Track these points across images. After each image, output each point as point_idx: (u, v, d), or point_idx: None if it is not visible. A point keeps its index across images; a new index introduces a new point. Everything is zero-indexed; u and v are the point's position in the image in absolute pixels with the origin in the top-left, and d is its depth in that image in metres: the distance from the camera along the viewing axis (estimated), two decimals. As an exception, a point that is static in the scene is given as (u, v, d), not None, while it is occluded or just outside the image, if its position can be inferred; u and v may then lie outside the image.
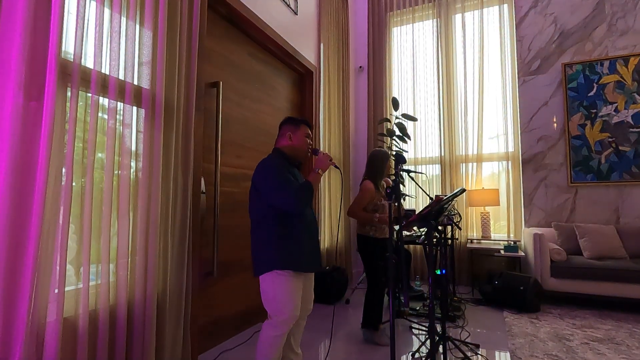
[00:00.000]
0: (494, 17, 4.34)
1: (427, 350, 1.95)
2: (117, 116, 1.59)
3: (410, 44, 4.74)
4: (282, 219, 1.67)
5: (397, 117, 4.05)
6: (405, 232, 3.36)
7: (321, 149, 3.71)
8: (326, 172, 3.79)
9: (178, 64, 1.88)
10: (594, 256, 3.27)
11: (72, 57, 1.40)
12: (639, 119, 3.64)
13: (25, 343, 1.19)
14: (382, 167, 2.58)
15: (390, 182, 2.78)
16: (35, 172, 1.26)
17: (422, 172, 4.50)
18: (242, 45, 2.80)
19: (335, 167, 1.85)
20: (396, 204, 1.99)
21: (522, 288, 3.09)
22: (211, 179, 2.36)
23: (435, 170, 4.50)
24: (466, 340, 2.45)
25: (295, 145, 1.81)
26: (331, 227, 3.82)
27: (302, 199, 1.61)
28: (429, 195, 3.01)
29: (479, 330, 2.66)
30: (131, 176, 1.64)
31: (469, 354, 2.24)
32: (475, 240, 4.11)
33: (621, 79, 3.72)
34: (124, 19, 1.62)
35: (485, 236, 3.96)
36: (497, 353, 2.29)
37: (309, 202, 1.66)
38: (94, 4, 1.50)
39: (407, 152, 4.29)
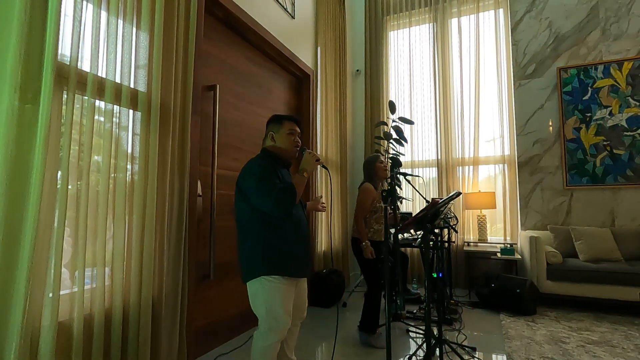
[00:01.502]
0: (490, 22, 4.37)
1: (424, 354, 1.95)
2: (114, 119, 1.59)
3: (407, 48, 4.78)
4: (269, 222, 1.57)
5: (394, 121, 4.07)
6: (401, 235, 3.36)
7: (313, 150, 3.70)
8: (324, 175, 3.79)
9: (175, 67, 1.88)
10: (590, 259, 3.28)
11: (68, 60, 1.40)
12: (633, 123, 3.67)
13: (20, 347, 1.18)
14: (372, 169, 2.65)
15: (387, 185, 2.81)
16: (30, 175, 1.26)
17: (419, 175, 4.51)
18: (239, 48, 2.81)
19: (323, 167, 1.73)
20: (392, 207, 2.00)
21: (518, 291, 3.10)
22: (208, 182, 2.36)
23: (432, 173, 4.51)
24: (463, 343, 2.45)
25: (278, 144, 1.70)
26: (328, 230, 3.82)
27: (283, 202, 1.50)
28: (425, 199, 3.01)
29: (475, 333, 2.67)
30: (127, 179, 1.64)
31: (465, 357, 2.24)
32: (471, 243, 4.12)
33: (615, 83, 3.76)
34: (120, 22, 1.62)
35: (482, 239, 3.97)
36: (493, 356, 2.29)
37: (290, 206, 1.54)
38: (90, 6, 1.50)
39: (403, 155, 4.30)
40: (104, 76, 1.54)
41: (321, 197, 1.84)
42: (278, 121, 1.75)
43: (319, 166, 1.73)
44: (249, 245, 1.60)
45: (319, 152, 3.77)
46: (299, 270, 1.64)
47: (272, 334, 1.55)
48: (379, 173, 2.64)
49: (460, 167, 4.30)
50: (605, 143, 3.76)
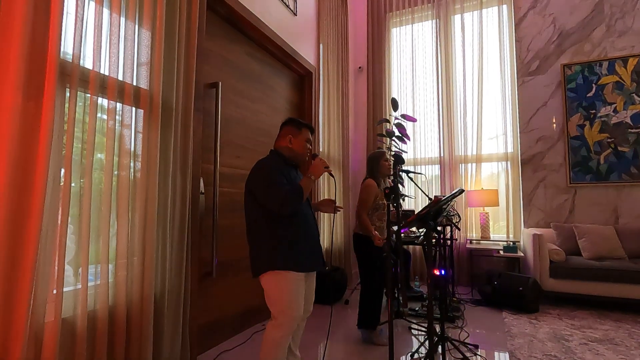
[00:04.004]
0: (493, 18, 4.34)
1: (426, 351, 1.95)
2: (116, 117, 1.60)
3: (410, 45, 4.75)
4: (278, 220, 1.65)
5: (396, 118, 4.05)
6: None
7: (319, 153, 3.71)
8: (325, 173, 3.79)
9: (177, 65, 1.88)
10: (593, 257, 3.27)
11: (70, 57, 1.40)
12: (638, 120, 3.64)
13: (24, 343, 1.19)
14: (377, 165, 2.63)
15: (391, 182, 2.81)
16: (34, 172, 1.26)
17: (421, 172, 4.50)
18: (241, 45, 2.80)
19: (330, 175, 1.83)
20: (394, 205, 2.00)
21: (521, 288, 3.09)
22: (210, 180, 2.36)
23: (434, 170, 4.50)
24: (465, 341, 2.45)
25: (294, 149, 1.79)
26: (331, 228, 3.82)
27: (290, 202, 1.59)
28: (428, 196, 3.01)
29: (478, 331, 2.66)
30: (130, 177, 1.64)
31: (467, 354, 2.24)
32: (474, 241, 4.11)
33: (620, 80, 3.73)
34: (122, 20, 1.62)
35: (485, 237, 3.96)
36: (496, 354, 2.29)
37: (297, 206, 1.63)
38: (92, 4, 1.50)
39: (406, 152, 4.29)
40: (106, 74, 1.55)
41: (335, 202, 1.88)
42: (297, 127, 1.82)
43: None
44: (260, 242, 1.67)
45: (321, 150, 3.77)
46: (309, 264, 1.72)
47: (286, 325, 1.62)
48: (383, 170, 2.63)
49: (463, 165, 4.29)
50: (609, 140, 3.73)
